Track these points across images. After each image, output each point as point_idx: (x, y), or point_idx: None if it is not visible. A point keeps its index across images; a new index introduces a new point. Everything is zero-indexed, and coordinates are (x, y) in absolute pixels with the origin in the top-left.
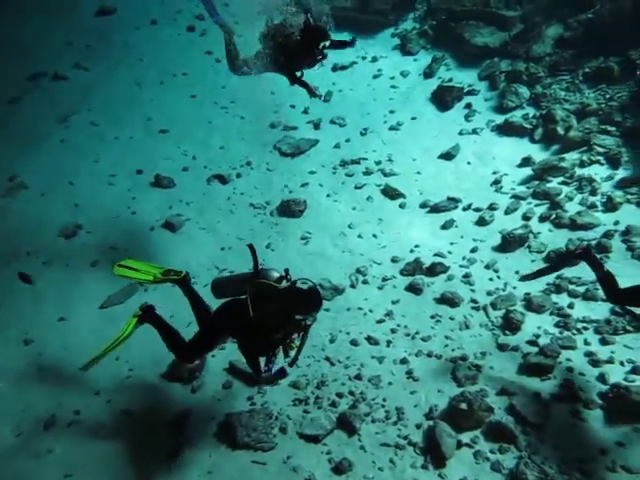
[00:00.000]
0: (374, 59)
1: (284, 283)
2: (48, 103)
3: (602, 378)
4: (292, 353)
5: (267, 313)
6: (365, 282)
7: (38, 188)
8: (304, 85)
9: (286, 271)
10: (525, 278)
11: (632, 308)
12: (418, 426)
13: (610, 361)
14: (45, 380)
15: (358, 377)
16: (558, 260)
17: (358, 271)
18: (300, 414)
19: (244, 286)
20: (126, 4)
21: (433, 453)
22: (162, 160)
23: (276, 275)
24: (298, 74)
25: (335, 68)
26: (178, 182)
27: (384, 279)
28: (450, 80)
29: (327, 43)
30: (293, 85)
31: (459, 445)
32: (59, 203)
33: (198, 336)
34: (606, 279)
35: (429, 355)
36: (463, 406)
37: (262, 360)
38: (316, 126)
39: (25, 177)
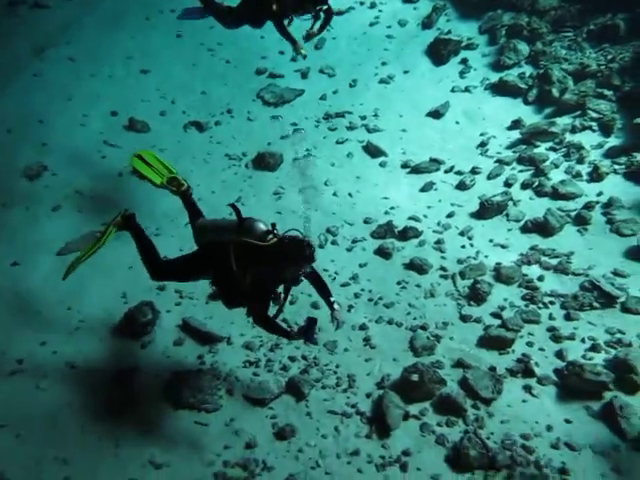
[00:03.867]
0: (372, 5)
1: (270, 238)
2: (25, 33)
3: (560, 354)
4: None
5: (253, 270)
6: (334, 243)
7: (5, 124)
8: (290, 39)
9: (273, 225)
10: None
11: None
12: (368, 395)
13: (571, 337)
14: None
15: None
16: None
17: (328, 231)
18: (249, 376)
19: (228, 235)
20: None
21: (378, 423)
22: (139, 102)
23: (262, 228)
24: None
25: None
26: (153, 127)
27: (354, 241)
28: (449, 32)
29: (324, 7)
30: (281, 34)
31: (406, 416)
32: (26, 141)
33: (181, 259)
34: None
35: (389, 322)
36: (414, 377)
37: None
38: (304, 75)
39: None
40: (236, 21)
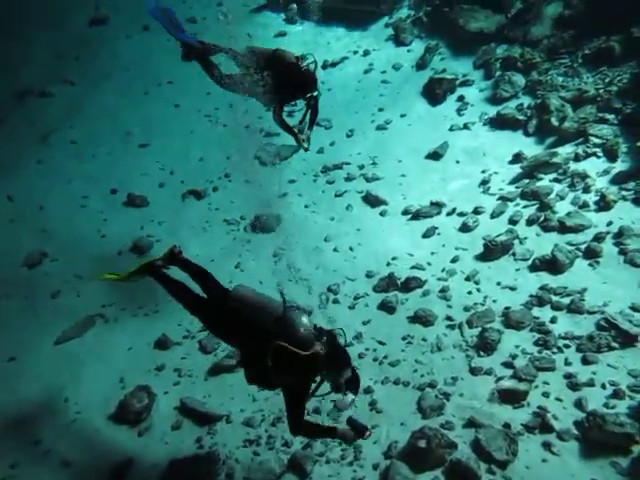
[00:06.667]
0: (366, 53)
1: (314, 346)
2: (31, 122)
3: (580, 404)
4: None
5: (290, 373)
6: (336, 301)
7: (8, 214)
8: (291, 132)
9: (317, 329)
10: None
11: None
12: (375, 467)
13: (590, 384)
14: None
15: (317, 411)
16: None
17: (329, 289)
18: (249, 456)
19: (266, 321)
20: (119, 11)
21: None
22: (139, 177)
23: (305, 325)
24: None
25: (325, 65)
26: (152, 200)
27: (356, 297)
28: (444, 70)
29: (315, 93)
30: (281, 127)
31: None
32: (27, 230)
33: (216, 312)
34: None
35: (396, 383)
36: (422, 444)
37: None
38: (300, 131)
39: None
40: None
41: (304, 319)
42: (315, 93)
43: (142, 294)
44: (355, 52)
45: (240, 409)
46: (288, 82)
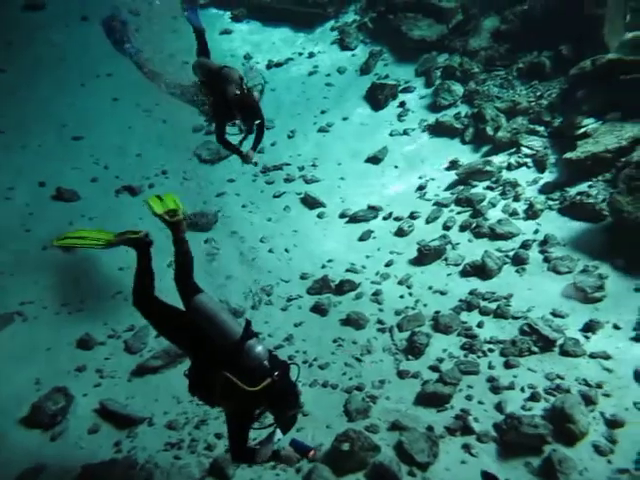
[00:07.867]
0: (311, 55)
1: (264, 381)
2: None
3: (500, 407)
4: None
5: (238, 402)
6: (269, 303)
7: None
8: (235, 150)
9: (272, 361)
10: None
11: None
12: (298, 470)
13: (511, 387)
14: None
15: None
16: None
17: (263, 290)
18: (170, 461)
19: (223, 339)
20: None
21: None
22: (70, 170)
23: (259, 359)
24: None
25: (270, 66)
26: (83, 195)
27: (289, 299)
28: (386, 76)
29: (257, 122)
30: (224, 147)
31: None
32: None
33: (170, 312)
34: None
35: (324, 385)
36: (345, 446)
37: None
38: (241, 129)
39: None
40: None
41: (260, 350)
42: (257, 121)
43: (66, 291)
44: (300, 54)
45: (164, 411)
46: (228, 103)
